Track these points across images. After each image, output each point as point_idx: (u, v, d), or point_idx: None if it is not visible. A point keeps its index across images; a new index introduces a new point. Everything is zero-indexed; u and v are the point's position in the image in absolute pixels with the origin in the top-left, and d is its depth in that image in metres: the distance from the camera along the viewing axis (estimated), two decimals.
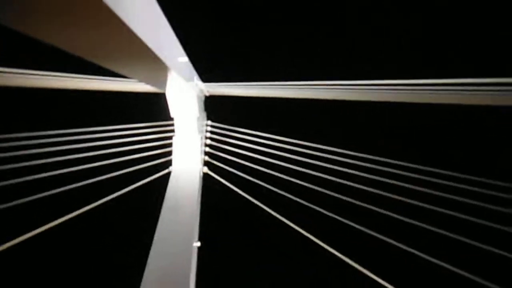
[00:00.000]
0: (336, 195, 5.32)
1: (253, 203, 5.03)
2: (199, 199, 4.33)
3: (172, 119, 4.73)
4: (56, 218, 3.62)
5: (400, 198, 4.78)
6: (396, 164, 5.10)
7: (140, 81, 4.06)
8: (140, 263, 3.21)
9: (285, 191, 5.37)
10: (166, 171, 4.54)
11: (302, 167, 5.87)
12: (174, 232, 3.57)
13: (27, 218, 3.65)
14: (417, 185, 4.79)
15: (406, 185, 4.96)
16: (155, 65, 2.88)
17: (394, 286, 3.59)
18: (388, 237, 4.39)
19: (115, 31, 1.82)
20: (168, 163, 4.66)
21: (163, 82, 3.78)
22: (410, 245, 4.27)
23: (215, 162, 5.38)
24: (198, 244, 3.67)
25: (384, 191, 5.00)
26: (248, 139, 6.20)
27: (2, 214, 3.19)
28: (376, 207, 4.85)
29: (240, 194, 4.95)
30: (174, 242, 3.46)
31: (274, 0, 6.50)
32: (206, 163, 5.23)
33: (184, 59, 3.57)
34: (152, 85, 3.89)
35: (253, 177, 5.59)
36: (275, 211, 4.67)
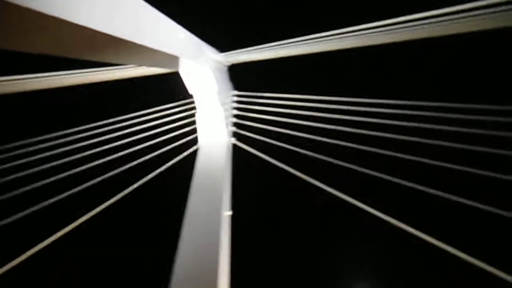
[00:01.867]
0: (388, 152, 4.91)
1: (287, 171, 4.95)
2: (229, 170, 4.41)
3: (191, 96, 4.76)
4: (108, 198, 4.05)
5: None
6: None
7: (149, 66, 4.12)
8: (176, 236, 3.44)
9: (319, 153, 5.19)
10: (193, 148, 4.67)
11: (344, 125, 5.55)
12: (205, 203, 3.71)
13: (84, 201, 4.10)
14: None
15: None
16: (154, 53, 2.88)
17: None
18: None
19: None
20: (195, 141, 4.77)
21: (170, 63, 3.79)
22: None
23: (244, 132, 5.36)
24: (230, 213, 3.79)
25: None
26: (278, 104, 6.02)
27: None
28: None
29: (272, 163, 4.92)
30: (207, 213, 3.60)
31: None
32: (234, 134, 5.24)
33: (183, 35, 3.49)
34: (162, 67, 3.92)
35: (286, 143, 5.48)
36: (307, 174, 4.57)
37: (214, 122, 4.78)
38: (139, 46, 2.57)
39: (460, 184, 4.07)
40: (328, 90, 5.91)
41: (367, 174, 4.79)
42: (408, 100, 5.17)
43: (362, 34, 4.54)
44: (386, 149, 4.92)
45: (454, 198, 4.05)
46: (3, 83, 3.30)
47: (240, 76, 6.63)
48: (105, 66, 4.09)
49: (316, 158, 5.21)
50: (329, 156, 5.25)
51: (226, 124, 5.01)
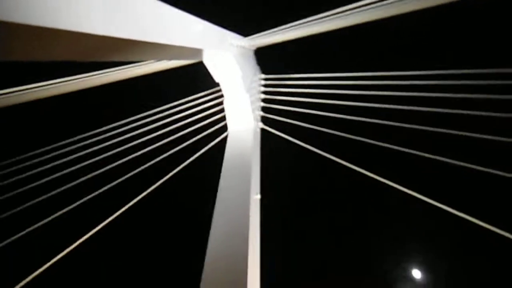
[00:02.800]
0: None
1: (318, 154, 4.93)
2: (258, 154, 4.52)
3: (218, 84, 4.87)
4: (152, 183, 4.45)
5: None
6: None
7: (171, 59, 4.28)
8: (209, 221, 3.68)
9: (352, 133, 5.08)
10: (223, 135, 4.83)
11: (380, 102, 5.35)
12: (235, 188, 3.88)
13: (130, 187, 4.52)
14: None
15: None
16: (176, 48, 3.03)
17: None
18: None
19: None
20: (225, 128, 4.92)
21: (194, 55, 3.92)
22: None
23: (272, 116, 5.42)
24: (259, 196, 3.93)
25: None
26: (306, 84, 5.95)
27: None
28: None
29: (301, 146, 4.94)
30: (236, 197, 3.78)
31: None
32: (263, 119, 5.32)
33: (202, 27, 3.58)
34: (186, 59, 4.06)
35: (317, 125, 5.43)
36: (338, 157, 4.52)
37: (241, 108, 4.88)
38: (162, 45, 2.71)
39: None
40: (361, 66, 5.71)
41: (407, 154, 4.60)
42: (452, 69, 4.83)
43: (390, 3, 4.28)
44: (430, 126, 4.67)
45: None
46: (39, 88, 3.66)
47: (268, 59, 6.61)
48: (125, 64, 4.33)
49: (349, 139, 5.14)
50: (363, 136, 5.14)
51: (253, 109, 5.09)
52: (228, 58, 4.54)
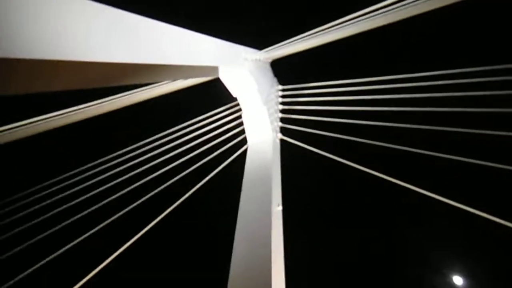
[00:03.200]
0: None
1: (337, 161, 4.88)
2: (278, 165, 4.55)
3: (235, 99, 4.99)
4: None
5: None
6: None
7: (187, 78, 4.44)
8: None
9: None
10: (243, 148, 4.91)
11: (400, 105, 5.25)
12: (256, 199, 3.91)
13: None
14: None
15: None
16: (192, 68, 3.17)
17: None
18: None
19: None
20: (244, 141, 5.00)
21: (210, 72, 4.05)
22: None
23: (291, 127, 5.44)
24: (281, 207, 3.94)
25: None
26: (324, 92, 5.95)
27: None
28: None
29: (321, 155, 4.91)
30: (258, 208, 3.80)
31: None
32: (282, 130, 5.36)
33: (215, 44, 3.71)
34: (202, 77, 4.21)
35: (336, 133, 5.39)
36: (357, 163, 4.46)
37: (259, 121, 4.95)
38: (177, 66, 2.85)
39: None
40: (375, 71, 5.64)
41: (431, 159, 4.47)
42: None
43: (400, 8, 4.24)
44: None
45: None
46: (70, 113, 3.92)
47: (285, 70, 6.68)
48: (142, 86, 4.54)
49: (371, 145, 5.06)
50: (386, 141, 5.04)
51: (272, 120, 5.15)
52: (243, 72, 4.64)
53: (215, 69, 4.06)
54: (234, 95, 4.93)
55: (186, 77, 3.67)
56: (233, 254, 3.37)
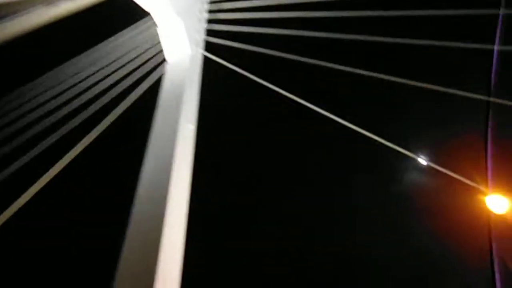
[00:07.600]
0: None
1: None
2: (196, 83, 4.39)
3: (148, 13, 4.56)
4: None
5: None
6: None
7: None
8: None
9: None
10: (161, 66, 4.67)
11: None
12: (169, 120, 3.86)
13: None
14: None
15: None
16: None
17: None
18: None
19: None
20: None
21: None
22: None
23: (217, 41, 5.05)
24: (192, 126, 3.94)
25: None
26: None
27: None
28: None
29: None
30: (171, 127, 3.77)
31: None
32: (207, 45, 5.00)
33: None
34: None
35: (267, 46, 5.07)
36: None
37: (176, 35, 4.61)
38: None
39: None
40: None
41: None
42: None
43: None
44: None
45: None
46: None
47: None
48: None
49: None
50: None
51: (193, 33, 4.79)
52: None
53: None
54: (145, 9, 4.51)
55: None
56: (142, 174, 3.39)
